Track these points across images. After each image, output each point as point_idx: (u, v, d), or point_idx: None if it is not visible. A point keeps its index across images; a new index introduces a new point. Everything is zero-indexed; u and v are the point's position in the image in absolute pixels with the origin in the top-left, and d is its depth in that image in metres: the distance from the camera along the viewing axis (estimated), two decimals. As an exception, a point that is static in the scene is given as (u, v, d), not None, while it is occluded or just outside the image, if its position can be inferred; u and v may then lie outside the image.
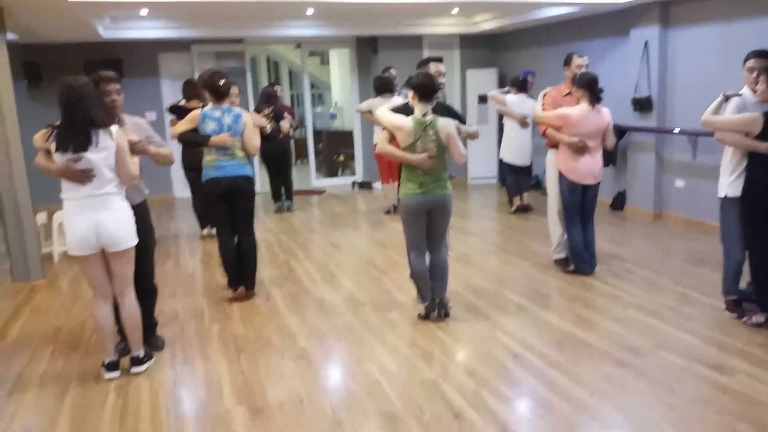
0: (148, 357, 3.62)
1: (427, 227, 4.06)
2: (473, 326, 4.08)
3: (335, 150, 11.02)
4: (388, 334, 4.01)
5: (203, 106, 4.69)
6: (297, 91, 14.07)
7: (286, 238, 6.68)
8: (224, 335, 4.08)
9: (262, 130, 4.72)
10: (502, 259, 5.62)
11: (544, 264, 5.35)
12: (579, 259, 4.99)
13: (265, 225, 7.35)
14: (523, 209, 7.47)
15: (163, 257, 5.99)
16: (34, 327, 4.37)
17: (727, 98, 3.90)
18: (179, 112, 6.27)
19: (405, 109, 4.02)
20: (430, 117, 3.89)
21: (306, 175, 10.50)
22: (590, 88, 4.68)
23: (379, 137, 4.05)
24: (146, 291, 3.78)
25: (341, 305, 4.57)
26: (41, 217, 5.78)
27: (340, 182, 10.44)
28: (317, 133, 11.07)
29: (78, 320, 4.45)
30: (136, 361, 3.55)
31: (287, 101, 12.07)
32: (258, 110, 7.67)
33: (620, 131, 7.26)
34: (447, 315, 4.19)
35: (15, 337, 4.21)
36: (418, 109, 3.89)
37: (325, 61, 13.39)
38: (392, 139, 3.97)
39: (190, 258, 6.07)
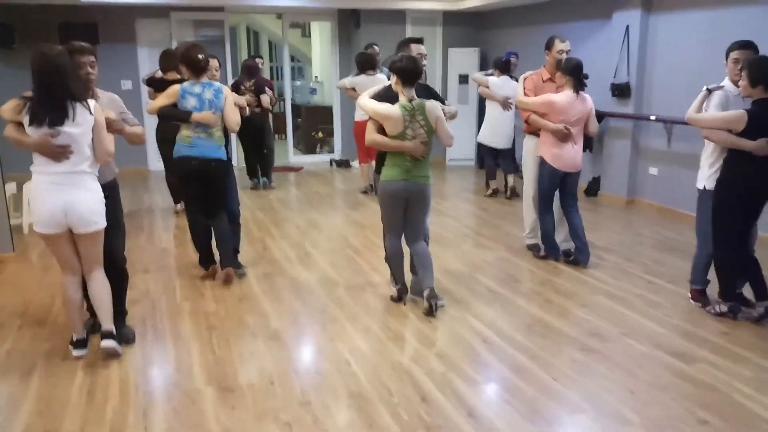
0: (118, 335, 3.51)
1: (405, 216, 4.01)
2: (445, 309, 4.11)
3: (314, 126, 10.91)
4: (360, 315, 4.03)
5: (181, 79, 4.54)
6: (276, 64, 13.87)
7: (262, 216, 6.65)
8: (196, 313, 4.07)
9: (241, 111, 4.60)
10: (477, 243, 5.66)
11: (517, 249, 5.41)
12: (550, 245, 5.04)
13: (242, 202, 7.23)
14: (512, 193, 7.40)
15: (137, 231, 5.93)
16: (1, 301, 4.30)
17: (709, 92, 3.86)
18: (156, 84, 6.12)
19: (387, 93, 3.90)
20: (417, 102, 3.79)
21: (284, 152, 10.41)
22: (575, 75, 4.64)
23: (367, 128, 3.93)
24: (116, 274, 3.61)
25: (315, 285, 4.58)
26: (11, 188, 5.66)
27: (318, 159, 10.38)
28: (296, 108, 10.95)
29: (47, 294, 4.40)
30: (106, 335, 3.42)
31: (266, 74, 11.89)
32: (239, 83, 7.54)
33: (598, 116, 7.29)
34: (435, 309, 3.94)
35: (-18, 310, 4.16)
36: (403, 94, 3.79)
37: (306, 33, 13.20)
38: (379, 128, 3.85)
39: (164, 233, 6.02)
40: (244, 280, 4.68)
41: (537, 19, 8.55)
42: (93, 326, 3.61)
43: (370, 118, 3.91)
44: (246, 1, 8.62)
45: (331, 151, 10.45)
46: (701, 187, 3.97)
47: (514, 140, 7.44)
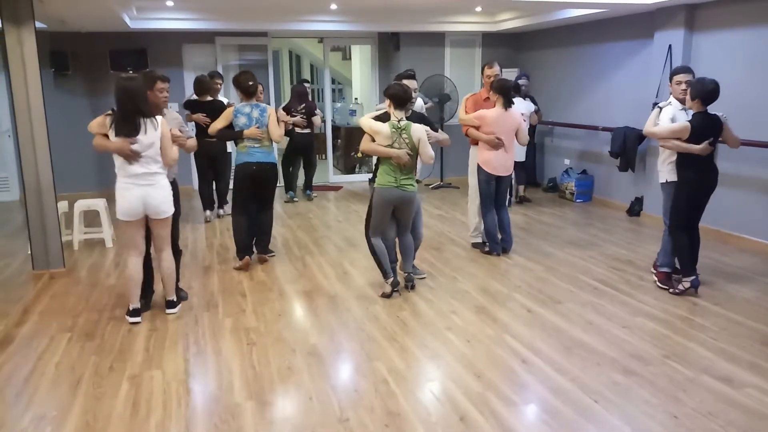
0: (180, 300, 4.48)
1: (394, 216, 4.71)
2: (482, 329, 4.10)
3: (353, 146, 11.02)
4: (398, 333, 4.04)
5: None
6: (318, 86, 14.12)
7: (302, 235, 6.74)
8: (237, 329, 4.15)
9: (285, 128, 5.41)
10: (515, 262, 5.62)
11: (554, 267, 5.35)
12: (493, 241, 5.75)
13: (283, 222, 7.41)
14: (520, 200, 8.23)
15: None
16: (52, 315, 4.47)
17: (660, 108, 4.65)
18: (193, 107, 6.94)
19: (383, 115, 4.66)
20: (404, 123, 4.49)
21: (324, 171, 10.55)
22: (505, 94, 5.45)
23: (363, 139, 4.61)
24: (174, 251, 4.42)
25: (353, 303, 4.62)
26: (62, 206, 5.89)
27: (357, 179, 10.49)
28: (336, 129, 11.11)
29: (95, 309, 4.55)
30: (170, 305, 4.37)
31: (309, 96, 12.15)
32: (289, 107, 8.17)
33: (639, 136, 7.21)
34: (413, 287, 4.84)
35: (33, 324, 4.32)
36: (394, 115, 4.50)
37: (346, 56, 13.42)
38: (373, 140, 4.56)
39: (207, 251, 6.16)
40: (285, 297, 4.76)
41: (576, 39, 8.52)
42: (146, 304, 4.43)
43: (365, 132, 4.61)
44: (288, 26, 8.83)
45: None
46: (663, 181, 4.74)
47: (532, 154, 8.30)
